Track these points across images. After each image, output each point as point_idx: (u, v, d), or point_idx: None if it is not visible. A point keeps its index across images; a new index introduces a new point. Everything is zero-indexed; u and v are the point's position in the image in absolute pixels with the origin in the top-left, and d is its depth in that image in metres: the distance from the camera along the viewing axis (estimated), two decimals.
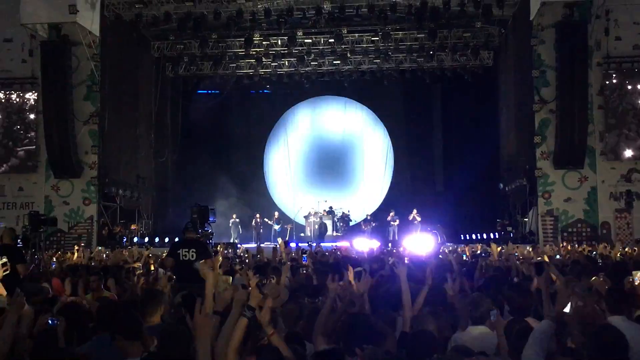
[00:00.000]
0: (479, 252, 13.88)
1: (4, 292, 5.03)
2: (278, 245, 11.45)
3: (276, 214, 25.15)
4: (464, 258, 12.66)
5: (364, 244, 17.45)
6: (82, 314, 5.26)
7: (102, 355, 4.43)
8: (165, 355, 3.71)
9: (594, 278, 6.09)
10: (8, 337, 3.80)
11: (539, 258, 5.77)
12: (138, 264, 10.47)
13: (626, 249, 14.36)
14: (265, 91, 28.13)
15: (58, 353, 4.26)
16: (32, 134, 21.93)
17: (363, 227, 24.32)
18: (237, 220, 24.18)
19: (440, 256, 11.60)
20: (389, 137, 28.35)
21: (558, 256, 11.48)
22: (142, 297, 5.49)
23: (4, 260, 6.37)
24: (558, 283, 5.43)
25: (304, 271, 7.89)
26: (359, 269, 5.26)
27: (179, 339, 3.57)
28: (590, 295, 4.86)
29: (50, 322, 4.36)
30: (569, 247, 14.72)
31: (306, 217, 25.19)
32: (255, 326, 3.49)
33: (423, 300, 5.29)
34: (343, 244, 18.42)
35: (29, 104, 21.99)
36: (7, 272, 5.90)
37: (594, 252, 12.40)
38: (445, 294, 5.80)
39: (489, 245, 12.76)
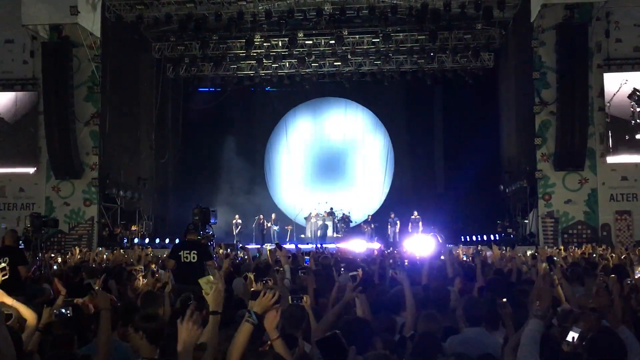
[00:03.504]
0: (475, 252, 13.80)
1: (8, 300, 5.01)
2: (273, 248, 11.40)
3: (274, 215, 25.11)
4: (464, 259, 12.69)
5: (361, 246, 17.43)
6: (84, 315, 5.25)
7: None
8: None
9: (612, 276, 6.05)
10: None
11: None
12: (140, 267, 10.45)
13: (627, 252, 14.32)
14: (266, 90, 28.07)
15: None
16: (33, 134, 21.96)
17: (363, 228, 24.30)
18: (240, 221, 24.16)
19: (442, 257, 11.55)
20: (389, 138, 28.32)
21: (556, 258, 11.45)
22: (142, 299, 5.48)
23: (3, 265, 6.33)
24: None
25: (303, 273, 7.85)
26: (353, 273, 5.21)
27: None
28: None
29: (61, 311, 4.33)
30: (568, 250, 14.69)
31: (307, 219, 25.17)
32: (258, 331, 3.43)
33: (414, 302, 5.27)
34: (344, 245, 18.37)
35: (30, 105, 22.03)
36: (6, 277, 5.88)
37: (594, 254, 12.38)
38: (446, 296, 5.81)
39: (490, 247, 12.76)
